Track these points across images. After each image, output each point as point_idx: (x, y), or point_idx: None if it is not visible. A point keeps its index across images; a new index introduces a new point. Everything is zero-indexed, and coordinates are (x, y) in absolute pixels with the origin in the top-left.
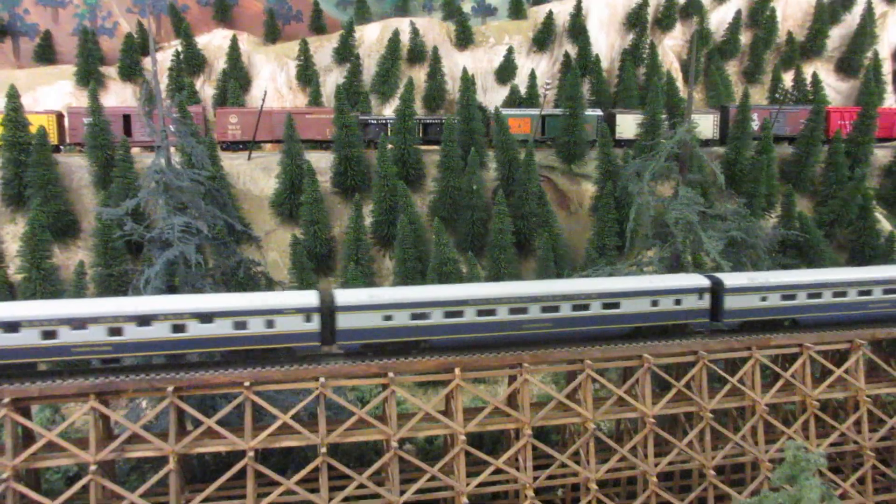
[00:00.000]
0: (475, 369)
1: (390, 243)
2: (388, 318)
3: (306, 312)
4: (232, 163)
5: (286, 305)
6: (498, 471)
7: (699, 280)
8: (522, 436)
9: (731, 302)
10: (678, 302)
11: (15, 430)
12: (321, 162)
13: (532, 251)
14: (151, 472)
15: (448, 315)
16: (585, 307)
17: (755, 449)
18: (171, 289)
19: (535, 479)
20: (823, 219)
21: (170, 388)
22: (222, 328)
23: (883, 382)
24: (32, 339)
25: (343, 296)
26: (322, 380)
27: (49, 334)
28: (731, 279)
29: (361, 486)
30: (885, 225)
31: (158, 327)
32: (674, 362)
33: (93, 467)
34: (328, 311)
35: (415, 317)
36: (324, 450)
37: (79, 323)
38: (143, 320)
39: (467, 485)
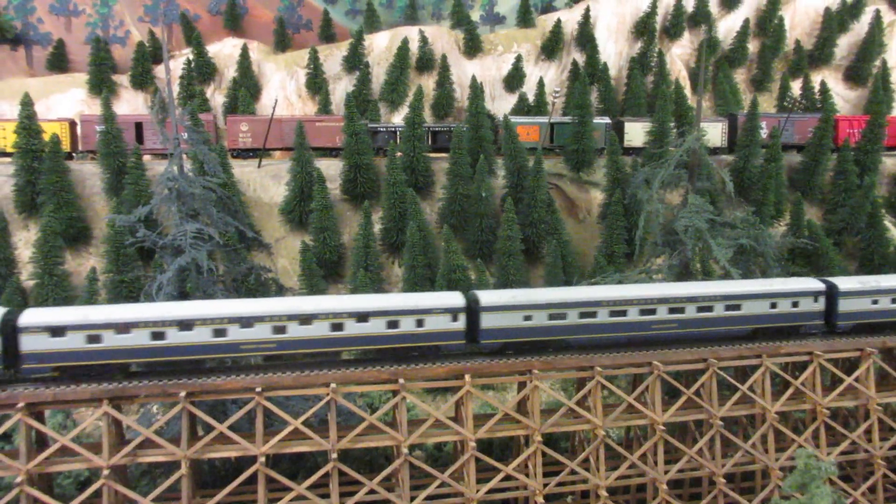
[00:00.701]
0: (485, 375)
1: (399, 250)
2: (528, 318)
3: (454, 312)
4: (242, 170)
5: (436, 305)
6: (508, 477)
7: (815, 284)
8: (532, 442)
9: (844, 305)
10: (795, 304)
11: (29, 434)
12: (330, 169)
13: (541, 258)
14: (163, 477)
15: (583, 315)
16: (710, 308)
17: (765, 457)
18: (183, 295)
19: (545, 485)
20: (832, 227)
21: (182, 394)
22: (376, 327)
23: (894, 391)
24: (205, 337)
25: (487, 296)
26: (333, 385)
27: (220, 332)
28: (844, 283)
29: (372, 491)
30: (894, 233)
31: (318, 326)
32: (683, 370)
33: (106, 472)
34: (472, 311)
35: (552, 317)
36: (334, 455)
37: (247, 321)
38: (305, 319)
39: (477, 491)
